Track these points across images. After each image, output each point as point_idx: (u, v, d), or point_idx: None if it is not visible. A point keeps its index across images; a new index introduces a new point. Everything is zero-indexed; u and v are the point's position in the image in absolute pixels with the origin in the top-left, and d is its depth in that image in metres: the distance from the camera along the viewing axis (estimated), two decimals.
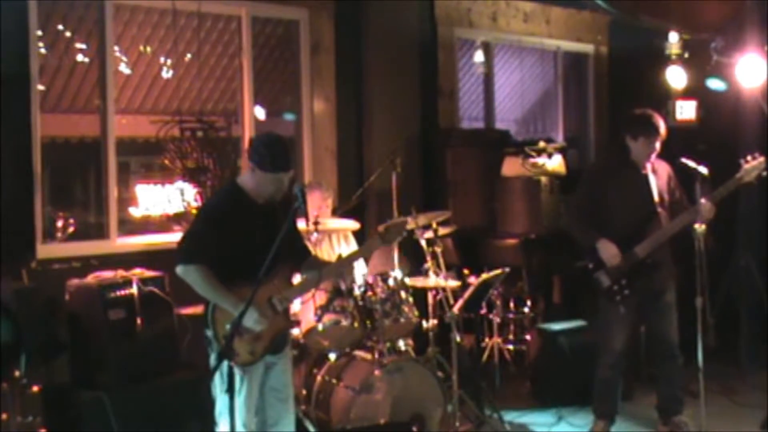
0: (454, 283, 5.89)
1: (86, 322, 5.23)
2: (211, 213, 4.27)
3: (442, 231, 5.83)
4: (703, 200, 5.10)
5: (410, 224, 5.59)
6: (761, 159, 5.20)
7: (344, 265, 4.58)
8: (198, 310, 4.27)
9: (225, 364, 3.66)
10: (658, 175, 5.46)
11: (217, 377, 3.96)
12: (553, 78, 9.73)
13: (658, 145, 5.39)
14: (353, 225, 6.18)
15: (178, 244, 4.20)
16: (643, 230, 5.33)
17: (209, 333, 4.13)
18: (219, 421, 4.19)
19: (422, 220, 5.61)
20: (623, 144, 5.47)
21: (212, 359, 4.17)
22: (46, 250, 5.81)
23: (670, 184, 5.49)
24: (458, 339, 5.48)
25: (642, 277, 5.33)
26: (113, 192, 6.24)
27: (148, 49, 6.68)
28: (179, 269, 4.10)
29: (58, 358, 5.25)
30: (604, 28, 9.70)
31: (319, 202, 5.93)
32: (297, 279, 4.48)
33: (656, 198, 5.40)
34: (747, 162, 5.23)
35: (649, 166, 5.44)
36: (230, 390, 3.64)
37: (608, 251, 5.31)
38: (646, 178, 5.42)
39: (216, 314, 4.11)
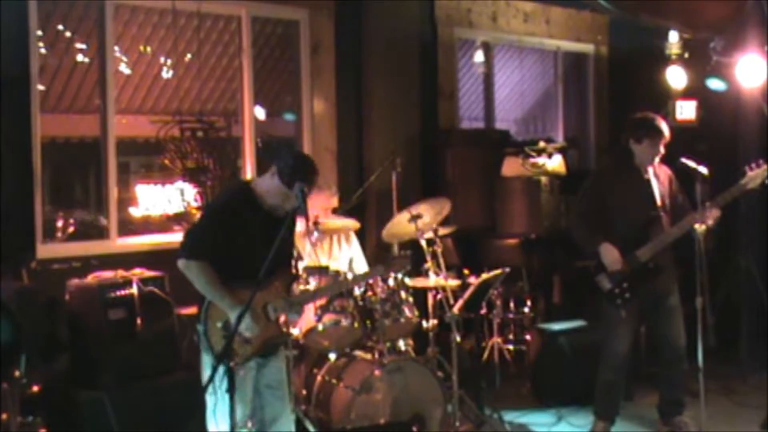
0: (454, 283, 5.89)
1: (86, 322, 5.23)
2: (217, 211, 4.27)
3: (442, 231, 5.83)
4: (708, 205, 5.11)
5: (410, 225, 5.61)
6: (765, 167, 5.23)
7: (344, 286, 4.61)
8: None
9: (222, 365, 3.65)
10: (660, 180, 5.46)
11: (206, 377, 3.91)
12: (553, 78, 9.72)
13: (662, 147, 5.39)
14: (354, 224, 6.18)
15: (183, 238, 4.21)
16: (645, 234, 5.33)
17: (200, 328, 4.12)
18: (210, 421, 4.15)
19: (422, 208, 5.61)
20: (626, 148, 5.46)
21: (203, 356, 4.16)
22: (46, 250, 5.81)
23: (672, 188, 5.49)
24: (458, 339, 5.48)
25: (644, 281, 5.32)
26: (113, 192, 6.23)
27: (148, 49, 6.68)
28: (181, 263, 4.10)
29: (58, 358, 5.25)
30: (604, 28, 9.70)
31: (326, 203, 5.94)
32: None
33: (658, 202, 5.39)
34: (751, 169, 5.25)
35: (651, 170, 5.44)
36: (230, 390, 3.65)
37: (610, 256, 5.30)
38: (648, 182, 5.42)
39: (210, 311, 4.09)
